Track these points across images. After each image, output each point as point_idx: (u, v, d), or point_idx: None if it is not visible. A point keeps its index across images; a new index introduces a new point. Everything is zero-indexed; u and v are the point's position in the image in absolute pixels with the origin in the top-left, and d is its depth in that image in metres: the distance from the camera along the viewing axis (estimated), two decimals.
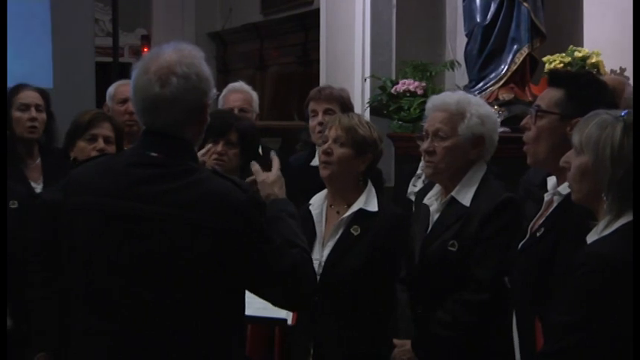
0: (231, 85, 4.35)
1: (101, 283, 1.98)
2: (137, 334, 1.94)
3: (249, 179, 2.31)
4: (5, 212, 3.10)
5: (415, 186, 3.76)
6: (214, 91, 2.11)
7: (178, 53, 2.00)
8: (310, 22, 7.93)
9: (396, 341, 2.82)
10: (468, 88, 4.84)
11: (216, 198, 1.93)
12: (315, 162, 3.63)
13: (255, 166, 2.33)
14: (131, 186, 1.96)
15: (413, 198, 3.65)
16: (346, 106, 3.71)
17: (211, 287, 1.94)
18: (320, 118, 3.66)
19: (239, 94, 4.23)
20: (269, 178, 2.29)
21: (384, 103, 5.40)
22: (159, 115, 1.99)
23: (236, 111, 3.97)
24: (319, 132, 3.57)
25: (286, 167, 3.78)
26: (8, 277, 3.10)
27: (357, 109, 5.65)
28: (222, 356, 2.00)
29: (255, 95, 4.30)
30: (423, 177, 3.73)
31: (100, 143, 3.08)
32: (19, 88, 3.76)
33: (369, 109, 5.53)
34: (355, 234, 2.85)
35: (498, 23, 4.93)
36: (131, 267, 1.94)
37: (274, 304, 2.14)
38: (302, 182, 3.17)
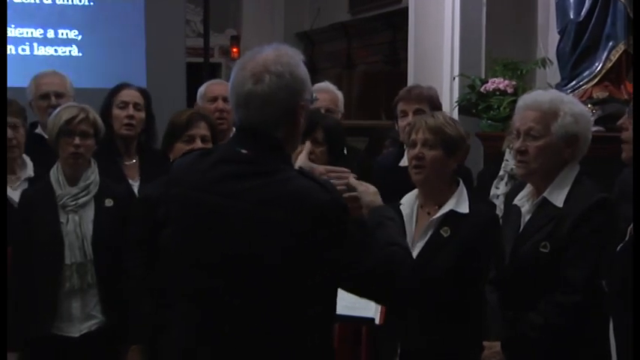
0: (317, 85, 4.37)
1: (192, 278, 2.02)
2: (225, 329, 1.97)
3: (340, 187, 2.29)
4: (5, 211, 3.15)
5: (498, 188, 3.70)
6: (313, 94, 2.11)
7: (276, 52, 2.03)
8: (398, 20, 7.89)
9: (485, 343, 2.78)
10: (560, 87, 4.73)
11: (298, 197, 1.93)
12: (404, 162, 3.61)
13: (353, 181, 2.29)
14: (216, 181, 1.99)
15: (496, 201, 3.60)
16: (435, 105, 3.66)
17: (295, 286, 1.95)
18: (410, 118, 3.62)
19: (325, 93, 4.24)
20: (369, 188, 2.26)
21: (473, 102, 5.33)
22: (250, 112, 2.01)
23: (322, 111, 3.98)
24: (408, 132, 3.55)
25: (374, 167, 3.80)
26: (107, 274, 3.18)
27: (446, 108, 5.58)
28: (307, 353, 2.01)
29: (340, 95, 4.31)
30: (505, 179, 3.67)
31: (198, 143, 3.11)
32: (121, 87, 3.87)
33: (457, 108, 5.47)
34: (445, 235, 2.81)
35: (593, 20, 4.80)
36: (217, 262, 1.97)
37: (373, 300, 2.14)
38: (391, 182, 3.15)
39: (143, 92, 3.90)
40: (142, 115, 3.81)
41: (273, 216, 1.91)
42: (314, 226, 1.90)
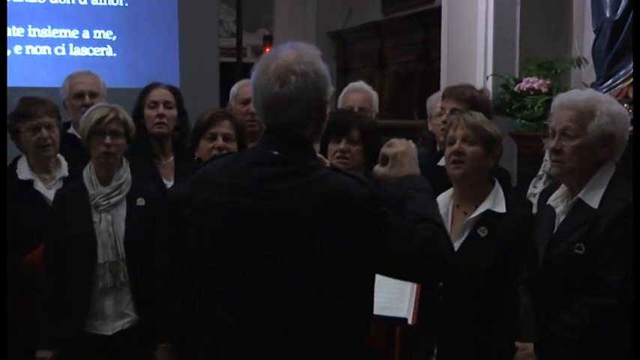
0: (352, 85, 4.37)
1: (225, 279, 2.02)
2: (259, 329, 1.98)
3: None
4: (5, 210, 3.17)
5: (536, 187, 3.67)
6: (332, 88, 2.12)
7: (296, 52, 2.02)
8: (431, 20, 7.85)
9: (518, 344, 2.76)
10: (595, 86, 4.68)
11: (337, 194, 1.94)
12: (442, 162, 3.60)
13: (385, 149, 2.26)
14: (253, 184, 1.99)
15: (533, 199, 3.57)
16: (478, 107, 3.62)
17: (335, 283, 1.95)
18: (445, 117, 3.62)
19: (359, 93, 4.24)
20: (397, 153, 2.21)
21: (507, 101, 5.30)
22: (279, 114, 2.01)
23: (356, 110, 3.98)
24: (441, 130, 3.55)
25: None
26: (140, 272, 3.21)
27: None
28: (346, 352, 2.01)
29: (374, 95, 4.30)
30: (544, 178, 3.64)
31: (220, 141, 3.13)
32: (151, 86, 3.90)
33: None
34: (482, 235, 2.81)
35: (629, 18, 4.73)
36: (254, 263, 1.97)
37: (413, 281, 2.14)
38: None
39: (173, 90, 3.92)
40: (174, 112, 3.84)
41: (315, 213, 1.92)
42: (354, 220, 1.92)
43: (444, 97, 3.73)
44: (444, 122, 3.55)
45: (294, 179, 1.97)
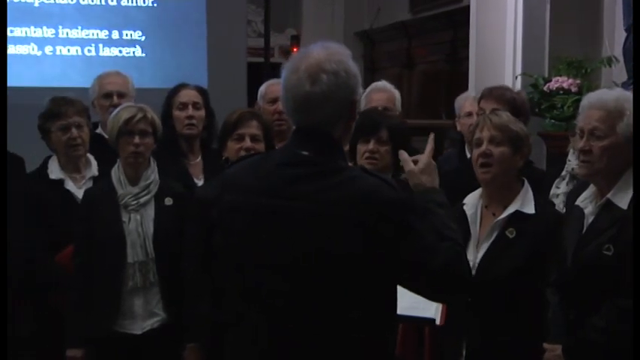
0: (375, 85, 4.36)
1: (254, 279, 2.02)
2: (286, 328, 1.98)
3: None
4: (5, 209, 3.18)
5: (559, 188, 3.64)
6: (361, 88, 2.12)
7: (327, 51, 2.02)
8: (459, 19, 7.82)
9: (546, 345, 2.74)
10: (626, 86, 4.62)
11: (366, 196, 1.93)
12: None
13: (403, 155, 2.28)
14: (283, 185, 1.99)
15: (555, 200, 3.54)
16: (518, 109, 3.59)
17: (361, 284, 1.95)
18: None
19: (382, 93, 4.23)
20: (417, 167, 2.22)
21: (536, 101, 5.26)
22: (310, 113, 2.01)
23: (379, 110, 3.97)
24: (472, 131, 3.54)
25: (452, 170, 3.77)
26: (169, 272, 3.22)
27: None
28: (372, 352, 2.01)
29: (397, 94, 4.29)
30: (567, 179, 3.61)
31: (247, 142, 3.12)
32: (179, 87, 3.92)
33: None
34: (511, 236, 2.79)
35: None
36: (281, 263, 1.97)
37: (427, 298, 2.14)
38: (455, 183, 3.13)
39: (201, 90, 3.94)
40: (202, 113, 3.86)
41: (344, 215, 1.92)
42: (382, 223, 1.91)
43: (483, 97, 3.71)
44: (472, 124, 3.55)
45: (324, 180, 1.96)
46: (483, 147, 2.84)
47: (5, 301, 3.04)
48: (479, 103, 3.75)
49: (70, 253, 3.27)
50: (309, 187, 1.96)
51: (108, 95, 4.06)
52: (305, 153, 2.01)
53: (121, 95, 4.05)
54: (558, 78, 5.16)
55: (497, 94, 3.68)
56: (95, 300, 3.17)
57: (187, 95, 3.86)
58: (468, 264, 2.07)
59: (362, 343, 1.98)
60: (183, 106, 3.83)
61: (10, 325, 3.89)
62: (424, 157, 2.23)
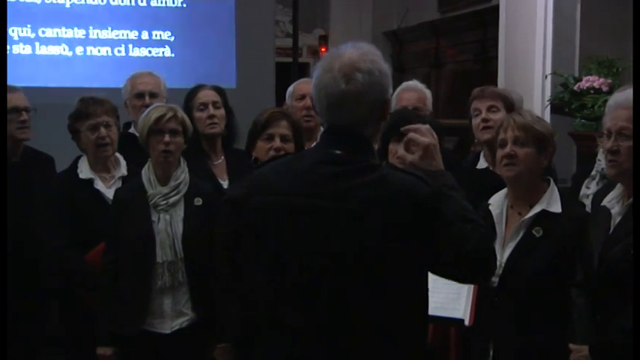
0: (405, 84, 4.34)
1: (291, 279, 2.02)
2: (324, 328, 1.98)
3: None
4: (5, 208, 3.17)
5: (589, 188, 3.61)
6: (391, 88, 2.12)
7: (360, 51, 2.03)
8: (488, 18, 7.78)
9: (572, 346, 2.72)
10: None
11: (402, 193, 1.95)
12: (481, 164, 3.58)
13: (399, 152, 2.23)
14: (317, 184, 2.00)
15: (586, 200, 3.50)
16: (510, 103, 3.62)
17: (398, 280, 1.97)
18: (483, 114, 3.59)
19: (413, 92, 4.21)
20: (416, 156, 2.14)
21: (566, 100, 5.21)
22: (344, 112, 2.01)
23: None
24: (483, 128, 3.56)
25: (459, 168, 3.75)
26: (197, 271, 3.23)
27: (537, 107, 5.49)
28: (408, 350, 2.02)
29: (428, 93, 4.27)
30: (597, 179, 3.58)
31: (277, 142, 3.11)
32: (197, 88, 3.93)
33: (549, 107, 5.35)
34: (537, 235, 2.78)
35: None
36: (317, 261, 1.98)
37: (461, 281, 2.21)
38: (477, 184, 3.11)
39: (218, 90, 3.95)
40: (222, 112, 3.88)
41: (379, 212, 1.93)
42: (417, 219, 1.93)
43: (475, 98, 3.69)
44: (484, 120, 3.57)
45: (358, 178, 1.97)
46: (507, 148, 2.83)
47: (5, 301, 3.05)
48: (471, 105, 3.71)
49: (99, 251, 3.30)
50: (344, 185, 1.97)
51: (140, 95, 4.09)
52: (338, 152, 2.02)
53: (153, 95, 4.08)
54: (589, 77, 5.10)
55: (489, 92, 3.67)
56: (125, 299, 3.20)
57: (206, 95, 3.88)
58: (492, 242, 2.12)
59: (398, 340, 1.99)
60: (204, 106, 3.84)
61: (41, 324, 3.97)
62: (421, 144, 2.13)
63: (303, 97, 4.10)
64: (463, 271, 2.03)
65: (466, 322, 2.72)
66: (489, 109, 3.60)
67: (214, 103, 3.86)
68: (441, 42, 9.62)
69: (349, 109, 2.01)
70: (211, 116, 3.82)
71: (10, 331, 3.70)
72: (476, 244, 1.97)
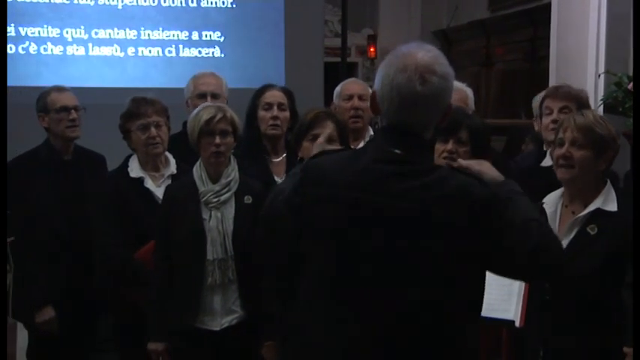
0: None
1: (345, 274, 2.02)
2: (377, 325, 1.98)
3: None
4: (5, 211, 3.16)
5: None
6: None
7: (430, 53, 2.03)
8: (539, 17, 7.69)
9: (626, 349, 2.67)
10: None
11: (463, 194, 1.95)
12: (546, 162, 3.51)
13: (462, 161, 2.37)
14: (376, 181, 1.99)
15: None
16: (583, 106, 3.54)
17: (455, 280, 1.96)
18: (554, 115, 3.53)
19: (454, 92, 4.16)
20: (483, 165, 2.29)
21: (620, 99, 5.11)
22: (414, 113, 2.01)
23: None
24: (551, 129, 3.46)
25: (513, 167, 3.70)
26: (247, 269, 3.23)
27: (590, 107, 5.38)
28: (457, 351, 2.01)
29: (470, 92, 4.21)
30: None
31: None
32: (265, 88, 3.94)
33: (602, 106, 5.26)
34: (592, 233, 2.73)
35: None
36: (374, 259, 1.97)
37: (524, 280, 2.24)
38: (532, 182, 3.07)
39: (286, 92, 3.94)
40: (287, 114, 3.86)
41: (438, 213, 1.93)
42: (477, 220, 1.93)
43: (548, 96, 3.63)
44: (554, 122, 3.47)
45: (418, 179, 1.97)
46: (564, 149, 2.78)
47: (5, 301, 3.07)
48: (542, 102, 3.66)
49: (149, 249, 3.34)
50: (402, 185, 1.97)
51: (202, 95, 4.11)
52: (397, 151, 2.01)
53: (215, 96, 4.10)
54: None
55: (563, 92, 3.60)
56: (175, 296, 3.23)
57: (273, 96, 3.88)
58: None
59: (454, 341, 1.99)
60: (269, 106, 3.84)
61: (93, 321, 4.03)
62: (474, 162, 2.30)
63: (350, 97, 4.09)
64: (526, 269, 2.02)
65: (517, 324, 2.69)
66: (561, 109, 3.53)
67: (280, 105, 3.85)
68: (491, 41, 9.55)
69: (420, 111, 2.01)
70: (275, 117, 3.82)
71: (65, 330, 3.79)
72: (538, 242, 1.96)
